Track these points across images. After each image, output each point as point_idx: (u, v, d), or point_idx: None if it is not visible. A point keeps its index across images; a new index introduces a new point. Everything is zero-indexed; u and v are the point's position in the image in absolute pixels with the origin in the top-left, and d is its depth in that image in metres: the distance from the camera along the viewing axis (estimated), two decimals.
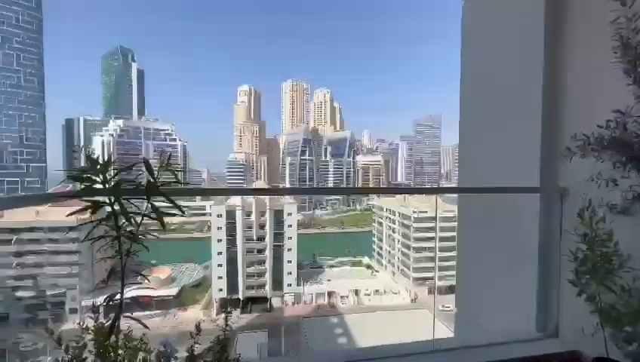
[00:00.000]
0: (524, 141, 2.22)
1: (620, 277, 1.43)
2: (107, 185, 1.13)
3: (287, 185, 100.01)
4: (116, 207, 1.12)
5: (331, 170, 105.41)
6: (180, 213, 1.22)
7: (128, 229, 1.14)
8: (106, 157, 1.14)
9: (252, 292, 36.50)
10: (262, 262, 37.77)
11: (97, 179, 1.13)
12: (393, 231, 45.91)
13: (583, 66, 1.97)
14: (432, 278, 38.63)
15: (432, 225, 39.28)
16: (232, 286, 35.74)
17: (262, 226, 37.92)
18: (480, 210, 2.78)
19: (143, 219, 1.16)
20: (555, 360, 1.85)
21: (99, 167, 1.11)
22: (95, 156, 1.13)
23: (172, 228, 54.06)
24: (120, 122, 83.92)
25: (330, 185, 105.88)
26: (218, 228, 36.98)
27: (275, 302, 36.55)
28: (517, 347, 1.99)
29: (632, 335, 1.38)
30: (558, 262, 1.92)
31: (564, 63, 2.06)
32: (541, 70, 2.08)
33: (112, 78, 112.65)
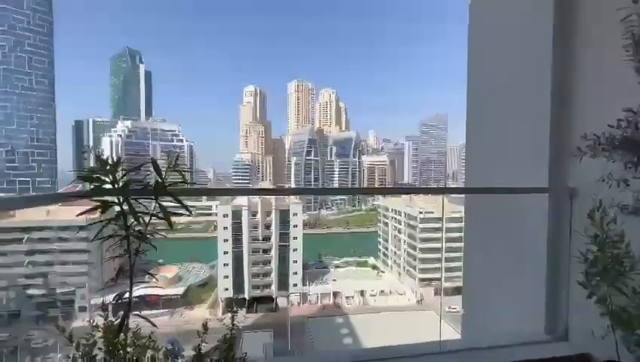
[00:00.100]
0: (532, 141, 2.19)
1: (631, 279, 1.40)
2: (116, 186, 1.15)
3: (293, 186, 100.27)
4: (125, 207, 1.14)
5: (337, 170, 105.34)
6: (187, 212, 1.24)
7: (137, 229, 1.16)
8: (114, 158, 1.16)
9: (257, 292, 36.67)
10: (267, 262, 37.91)
11: (107, 179, 1.15)
12: (399, 232, 45.66)
13: (592, 65, 1.94)
14: (438, 279, 38.33)
15: (438, 225, 38.97)
16: (238, 285, 35.96)
17: (267, 226, 38.07)
18: (487, 211, 2.75)
19: (151, 218, 1.17)
20: None
21: (108, 167, 1.13)
22: (104, 157, 1.16)
23: (179, 227, 54.67)
24: (128, 123, 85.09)
25: (336, 185, 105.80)
26: (224, 228, 37.23)
27: (281, 301, 36.65)
28: (525, 349, 1.96)
29: None
30: (568, 263, 1.89)
31: (573, 62, 2.03)
32: (550, 69, 2.06)
33: (120, 80, 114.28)
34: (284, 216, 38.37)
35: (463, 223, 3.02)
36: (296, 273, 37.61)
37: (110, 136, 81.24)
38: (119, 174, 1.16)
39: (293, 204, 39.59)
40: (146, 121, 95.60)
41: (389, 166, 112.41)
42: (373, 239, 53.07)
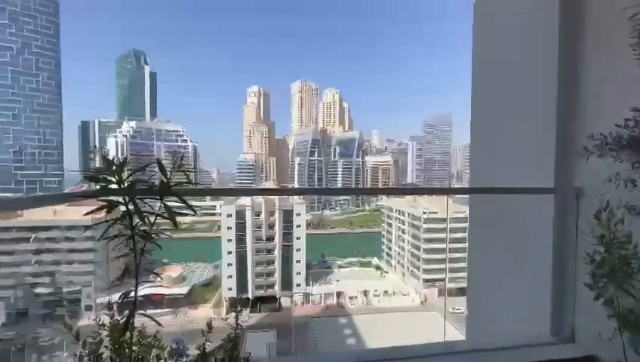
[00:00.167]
0: (538, 141, 2.17)
1: (638, 281, 1.38)
2: (122, 186, 1.16)
3: (296, 186, 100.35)
4: (131, 207, 1.15)
5: (340, 170, 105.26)
6: (191, 212, 1.25)
7: (142, 228, 1.17)
8: (120, 159, 1.17)
9: (261, 292, 36.76)
10: (271, 262, 37.99)
11: (112, 179, 1.16)
12: (403, 232, 45.50)
13: (599, 64, 1.91)
14: (442, 280, 38.13)
15: (442, 226, 38.77)
16: (242, 285, 36.09)
17: (271, 226, 38.16)
18: (491, 211, 2.73)
19: (156, 218, 1.18)
20: None
21: (114, 168, 1.14)
22: (110, 157, 1.17)
23: (183, 227, 55.00)
24: (133, 123, 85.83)
25: (339, 185, 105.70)
26: (228, 228, 37.39)
27: (284, 301, 36.71)
28: (531, 351, 1.95)
29: None
30: (574, 264, 1.87)
31: (579, 61, 2.00)
32: (556, 68, 2.04)
33: (125, 81, 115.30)
34: (287, 216, 38.47)
35: (468, 223, 3.00)
36: (299, 273, 37.65)
37: (115, 136, 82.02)
38: (125, 174, 1.17)
39: (297, 204, 39.63)
40: (151, 121, 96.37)
41: (392, 166, 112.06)
42: (377, 239, 52.95)
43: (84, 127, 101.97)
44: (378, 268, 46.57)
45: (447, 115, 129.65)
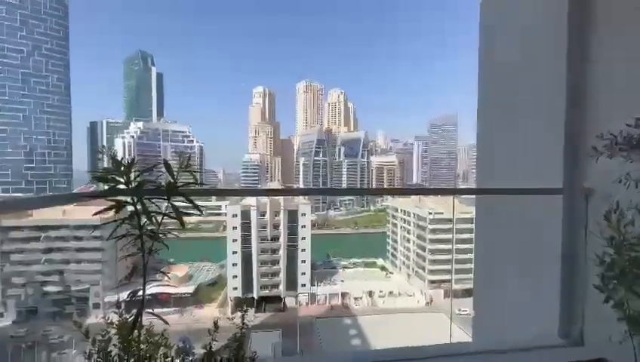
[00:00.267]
0: (546, 141, 2.15)
1: None
2: (130, 186, 1.18)
3: (301, 186, 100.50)
4: (138, 207, 1.16)
5: (345, 170, 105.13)
6: (198, 212, 1.26)
7: (150, 228, 1.18)
8: (128, 159, 1.19)
9: (266, 292, 36.88)
10: (276, 262, 38.10)
11: (121, 179, 1.18)
12: (408, 233, 45.25)
13: (609, 62, 1.88)
14: (448, 281, 37.82)
15: (448, 226, 38.47)
16: (247, 285, 36.25)
17: (276, 226, 38.27)
18: (498, 212, 2.71)
19: (163, 218, 1.20)
20: None
21: (123, 168, 1.16)
22: (118, 158, 1.19)
23: (189, 227, 55.39)
24: (140, 124, 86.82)
25: (344, 185, 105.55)
26: (233, 227, 37.60)
27: (289, 301, 36.78)
28: (539, 353, 1.92)
29: None
30: (583, 265, 1.85)
31: (589, 59, 1.97)
32: (564, 67, 2.01)
33: (132, 82, 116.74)
34: (292, 217, 38.54)
35: (474, 224, 2.98)
36: (304, 273, 37.68)
37: (123, 137, 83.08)
38: (133, 175, 1.19)
39: (302, 204, 39.69)
40: (158, 122, 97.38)
41: (397, 166, 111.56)
42: (382, 240, 52.75)
43: (93, 128, 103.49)
44: (383, 268, 46.38)
45: (452, 115, 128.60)
